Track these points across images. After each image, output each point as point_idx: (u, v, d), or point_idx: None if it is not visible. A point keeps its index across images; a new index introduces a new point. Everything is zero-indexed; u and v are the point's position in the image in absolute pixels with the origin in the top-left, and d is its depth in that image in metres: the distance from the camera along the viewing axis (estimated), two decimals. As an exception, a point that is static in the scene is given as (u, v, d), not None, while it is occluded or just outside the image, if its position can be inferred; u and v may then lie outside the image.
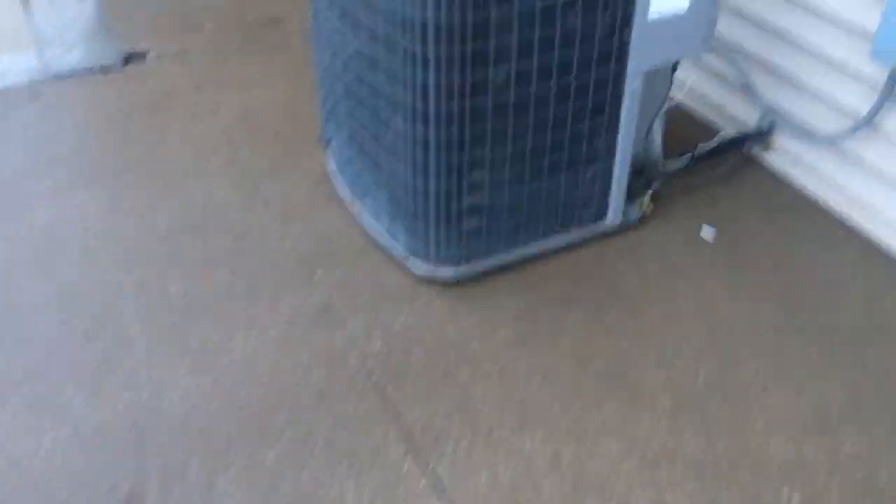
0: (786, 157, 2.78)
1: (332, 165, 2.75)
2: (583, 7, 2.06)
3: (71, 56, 3.47)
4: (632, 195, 2.52)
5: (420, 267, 2.38)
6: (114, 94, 3.24)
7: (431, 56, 1.99)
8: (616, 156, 2.37)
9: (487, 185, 2.24)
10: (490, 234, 2.34)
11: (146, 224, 2.61)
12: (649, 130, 2.46)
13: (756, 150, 2.85)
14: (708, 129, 2.97)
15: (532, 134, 2.20)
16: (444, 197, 2.22)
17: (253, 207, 2.69)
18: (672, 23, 2.20)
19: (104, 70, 3.40)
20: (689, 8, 2.20)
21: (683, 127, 2.91)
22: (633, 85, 2.25)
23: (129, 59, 3.46)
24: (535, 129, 2.20)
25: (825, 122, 2.62)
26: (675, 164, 2.65)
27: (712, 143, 2.73)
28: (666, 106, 2.46)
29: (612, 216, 2.50)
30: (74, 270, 2.44)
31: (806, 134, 2.68)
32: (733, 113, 2.92)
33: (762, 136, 2.80)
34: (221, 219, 2.64)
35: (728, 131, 2.86)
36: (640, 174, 2.53)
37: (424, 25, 1.95)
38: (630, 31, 2.16)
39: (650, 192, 2.55)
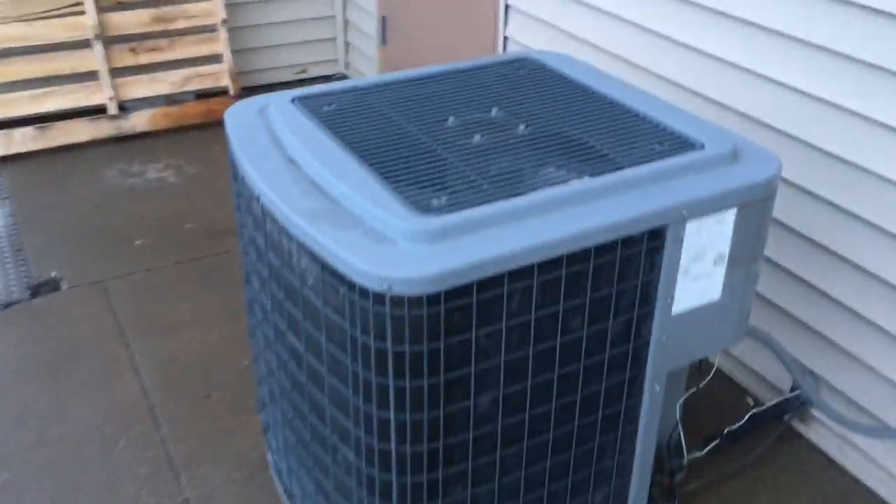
0: (831, 433, 2.28)
1: (270, 457, 2.19)
2: (590, 309, 1.57)
3: (-31, 287, 2.94)
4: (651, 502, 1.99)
5: None
6: (11, 342, 2.69)
7: (391, 389, 1.47)
8: (632, 474, 1.84)
9: (468, 529, 1.69)
10: (472, 585, 1.77)
11: (22, 554, 2.01)
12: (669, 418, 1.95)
13: (794, 421, 2.34)
14: (736, 398, 2.46)
15: (526, 464, 1.67)
16: (410, 547, 1.66)
17: (168, 515, 2.11)
18: (701, 314, 1.72)
19: (6, 305, 2.86)
20: (722, 296, 1.72)
21: (707, 396, 2.40)
22: (652, 390, 1.75)
23: (37, 290, 2.93)
24: (530, 459, 1.67)
25: (874, 397, 2.13)
26: (701, 453, 2.12)
27: (741, 422, 2.22)
28: (688, 393, 1.96)
29: (629, 537, 1.95)
30: None
31: (853, 410, 2.19)
32: (768, 375, 2.43)
33: (799, 407, 2.30)
34: (125, 537, 2.05)
35: (759, 404, 2.36)
36: (659, 470, 2.00)
37: (382, 353, 1.44)
38: (649, 330, 1.67)
39: (675, 501, 2.02)
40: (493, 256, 1.40)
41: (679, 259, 1.61)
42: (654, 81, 2.58)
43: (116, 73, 3.98)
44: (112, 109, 3.95)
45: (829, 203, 2.12)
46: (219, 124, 4.20)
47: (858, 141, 2.01)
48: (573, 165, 1.63)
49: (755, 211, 1.67)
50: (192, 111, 4.12)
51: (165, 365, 2.60)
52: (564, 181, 1.57)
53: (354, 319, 1.44)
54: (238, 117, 1.86)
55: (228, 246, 3.18)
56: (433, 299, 1.38)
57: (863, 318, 2.12)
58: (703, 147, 1.68)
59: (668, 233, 1.57)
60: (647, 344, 1.68)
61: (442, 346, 1.44)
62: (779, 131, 2.21)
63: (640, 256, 1.57)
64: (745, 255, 1.71)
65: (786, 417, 2.31)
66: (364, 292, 1.39)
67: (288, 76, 4.65)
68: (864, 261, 2.08)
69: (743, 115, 2.30)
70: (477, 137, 1.73)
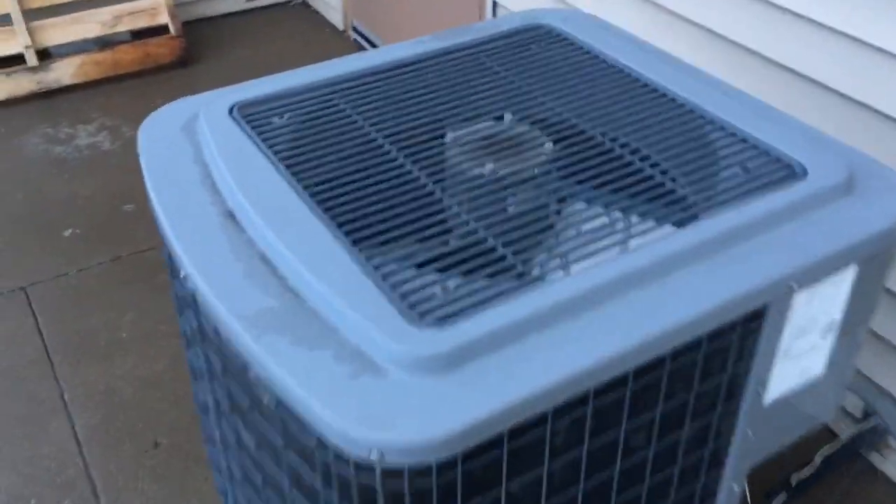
0: (915, 470, 1.89)
1: (234, 539, 1.77)
2: (660, 423, 1.12)
3: None
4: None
5: None
6: (-87, 381, 2.22)
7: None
8: (701, 587, 1.44)
9: None
10: None
11: None
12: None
13: (870, 453, 1.95)
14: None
15: None
16: None
17: None
18: (799, 395, 1.28)
19: None
20: (826, 370, 1.28)
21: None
22: (730, 491, 1.33)
23: (-55, 306, 2.44)
24: None
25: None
26: (767, 513, 1.74)
27: (811, 468, 1.82)
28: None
29: None
30: None
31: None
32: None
33: (875, 437, 1.90)
34: None
35: (831, 442, 1.95)
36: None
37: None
38: (733, 429, 1.24)
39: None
40: (534, 392, 0.94)
41: (780, 340, 1.16)
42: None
43: (32, 15, 3.36)
44: (30, 60, 3.34)
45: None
46: (160, 70, 3.63)
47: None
48: (629, 208, 1.16)
49: (878, 262, 1.21)
50: (127, 57, 3.53)
51: (103, 403, 2.14)
52: (619, 241, 1.10)
53: (330, 483, 0.99)
54: (155, 138, 1.37)
55: (175, 233, 2.67)
56: (446, 465, 0.93)
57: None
58: (806, 173, 1.20)
59: (769, 312, 1.11)
60: (728, 444, 1.25)
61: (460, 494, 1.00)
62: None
63: (729, 349, 1.12)
64: (860, 316, 1.26)
65: (863, 453, 1.92)
66: (343, 457, 0.94)
67: (235, 6, 4.04)
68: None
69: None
70: (488, 167, 1.24)
